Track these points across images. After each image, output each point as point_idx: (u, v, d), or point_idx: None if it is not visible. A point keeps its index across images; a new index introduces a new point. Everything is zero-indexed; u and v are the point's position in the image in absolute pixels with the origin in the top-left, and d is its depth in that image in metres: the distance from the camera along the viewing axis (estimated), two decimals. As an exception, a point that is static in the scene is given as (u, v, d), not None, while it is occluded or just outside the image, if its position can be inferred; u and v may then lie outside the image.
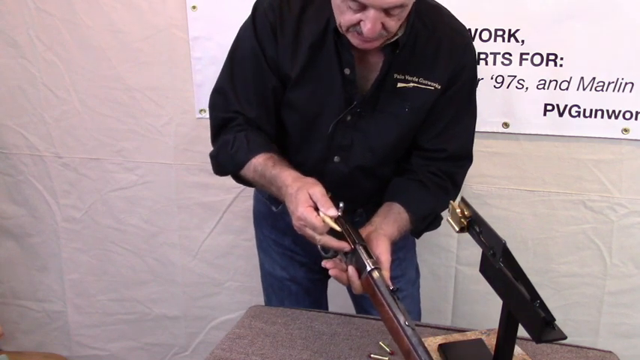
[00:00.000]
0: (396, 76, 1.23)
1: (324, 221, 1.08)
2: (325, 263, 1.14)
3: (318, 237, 1.10)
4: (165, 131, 1.93)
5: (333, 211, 1.08)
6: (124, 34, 1.84)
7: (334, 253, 1.16)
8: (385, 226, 1.21)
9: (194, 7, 1.77)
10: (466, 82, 1.29)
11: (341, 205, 1.12)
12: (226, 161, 1.30)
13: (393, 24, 1.10)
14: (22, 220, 2.13)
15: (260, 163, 1.24)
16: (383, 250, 1.13)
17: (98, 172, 2.02)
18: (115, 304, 2.18)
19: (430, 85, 1.25)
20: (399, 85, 1.24)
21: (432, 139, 1.32)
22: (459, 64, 1.26)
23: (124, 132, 1.96)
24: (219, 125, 1.32)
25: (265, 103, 1.29)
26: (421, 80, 1.24)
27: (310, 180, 1.16)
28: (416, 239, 1.55)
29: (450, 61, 1.25)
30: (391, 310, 1.00)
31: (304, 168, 1.27)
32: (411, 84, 1.24)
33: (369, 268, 1.06)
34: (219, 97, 1.32)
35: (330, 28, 1.20)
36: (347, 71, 1.22)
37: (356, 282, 1.09)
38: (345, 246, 1.10)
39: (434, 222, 1.37)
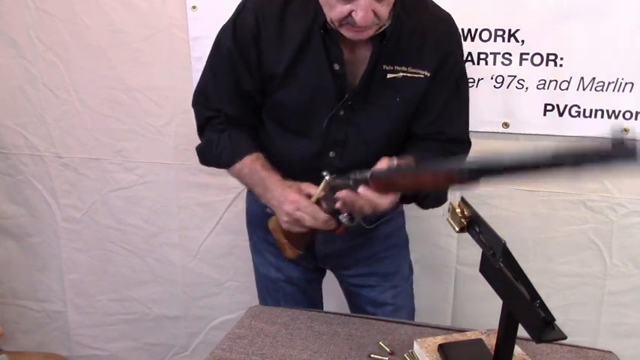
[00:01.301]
0: (385, 67, 1.24)
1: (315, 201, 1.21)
2: (338, 194, 1.16)
3: (308, 218, 1.20)
4: (166, 131, 1.93)
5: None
6: (124, 34, 1.84)
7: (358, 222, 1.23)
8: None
9: (194, 7, 1.77)
10: (454, 66, 1.31)
11: (324, 173, 1.20)
12: (211, 159, 1.40)
13: (384, 10, 1.12)
14: (22, 220, 2.13)
15: (246, 165, 1.32)
16: (382, 163, 1.14)
17: (98, 172, 2.02)
18: (115, 304, 2.18)
19: (419, 74, 1.26)
20: (389, 75, 1.25)
21: (427, 126, 1.33)
22: (446, 51, 1.28)
23: (124, 132, 1.96)
24: (203, 121, 1.39)
25: (244, 102, 1.34)
26: (410, 69, 1.25)
27: (297, 183, 1.27)
28: (409, 239, 1.57)
29: (437, 49, 1.27)
30: (420, 169, 1.06)
31: (299, 165, 1.31)
32: (400, 74, 1.25)
33: (369, 174, 1.11)
34: (201, 96, 1.39)
35: (317, 25, 1.21)
36: (336, 66, 1.23)
37: (371, 196, 1.12)
38: (332, 224, 1.22)
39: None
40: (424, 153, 1.29)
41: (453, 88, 1.32)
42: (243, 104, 1.34)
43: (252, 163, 1.32)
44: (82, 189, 2.05)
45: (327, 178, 1.20)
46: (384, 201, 1.14)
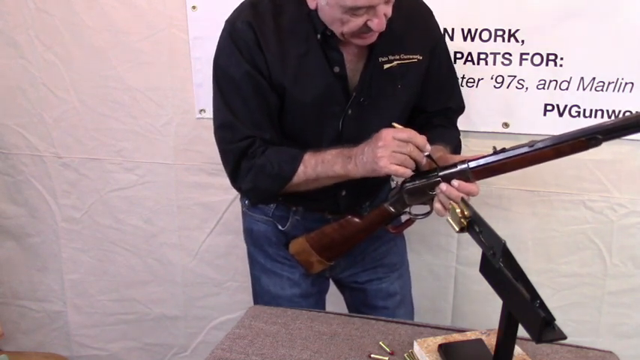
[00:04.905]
0: (380, 59, 1.29)
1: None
2: (441, 186, 1.21)
3: (422, 147, 1.18)
4: (166, 131, 1.93)
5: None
6: (124, 34, 1.84)
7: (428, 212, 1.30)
8: (442, 153, 1.31)
9: (194, 7, 1.77)
10: (443, 44, 1.43)
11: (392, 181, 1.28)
12: (270, 184, 1.29)
13: (390, 9, 1.17)
14: (22, 220, 2.13)
15: (310, 158, 1.27)
16: (457, 157, 1.25)
17: (98, 172, 2.02)
18: (115, 304, 2.18)
19: (413, 58, 1.32)
20: (386, 66, 1.29)
21: (439, 103, 1.44)
22: (434, 31, 1.38)
23: (124, 132, 1.96)
24: (238, 156, 1.29)
25: (272, 121, 1.31)
26: (402, 56, 1.31)
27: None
28: (409, 239, 1.62)
29: (426, 31, 1.35)
30: (514, 154, 1.19)
31: None
32: (395, 62, 1.30)
33: (465, 165, 1.20)
34: (226, 131, 1.30)
35: (311, 34, 1.24)
36: (337, 69, 1.27)
37: (470, 186, 1.18)
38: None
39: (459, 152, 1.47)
40: (440, 130, 1.41)
41: (449, 62, 1.45)
42: (272, 123, 1.31)
43: (311, 156, 1.27)
44: (82, 189, 2.05)
45: (397, 183, 1.25)
46: (476, 190, 1.21)
